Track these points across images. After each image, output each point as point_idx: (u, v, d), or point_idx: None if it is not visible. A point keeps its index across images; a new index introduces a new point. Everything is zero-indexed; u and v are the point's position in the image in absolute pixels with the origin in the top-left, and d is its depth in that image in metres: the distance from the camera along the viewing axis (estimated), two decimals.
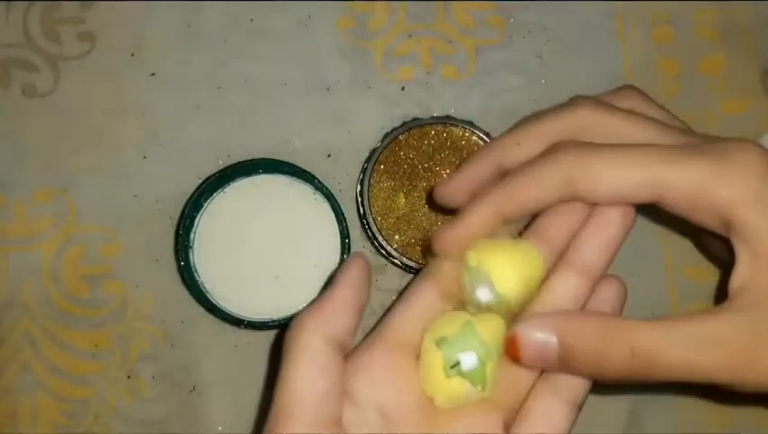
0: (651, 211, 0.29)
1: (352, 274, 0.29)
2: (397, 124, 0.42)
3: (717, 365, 0.26)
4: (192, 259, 0.41)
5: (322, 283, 0.41)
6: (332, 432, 0.27)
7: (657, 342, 0.26)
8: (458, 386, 0.28)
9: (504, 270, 0.29)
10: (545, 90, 0.45)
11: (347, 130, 0.44)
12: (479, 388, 0.28)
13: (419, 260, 0.41)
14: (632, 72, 0.45)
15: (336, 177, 0.43)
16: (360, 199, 0.42)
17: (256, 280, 0.41)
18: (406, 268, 0.41)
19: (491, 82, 0.45)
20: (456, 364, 0.28)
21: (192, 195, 0.41)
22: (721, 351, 0.26)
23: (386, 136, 0.42)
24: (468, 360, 0.28)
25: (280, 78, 0.44)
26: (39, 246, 0.42)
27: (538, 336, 0.27)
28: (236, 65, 0.44)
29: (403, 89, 0.45)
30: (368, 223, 0.41)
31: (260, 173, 0.42)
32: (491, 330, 0.29)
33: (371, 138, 0.43)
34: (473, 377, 0.28)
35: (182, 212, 0.41)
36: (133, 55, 0.44)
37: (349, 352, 0.29)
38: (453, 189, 0.33)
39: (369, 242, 0.43)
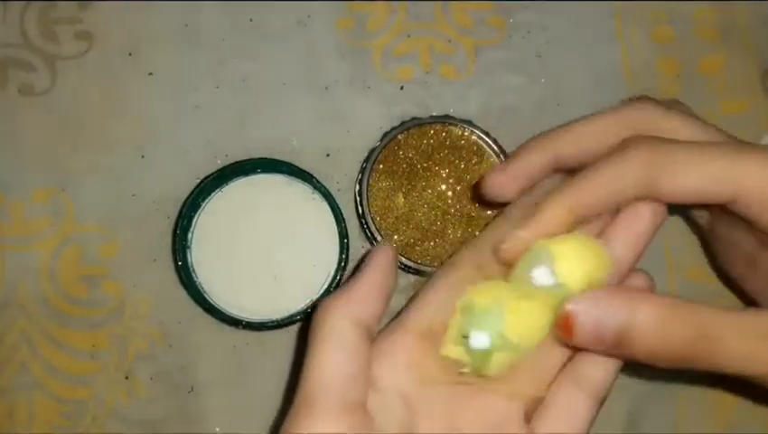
0: None
1: (380, 260, 0.29)
2: (396, 123, 0.42)
3: None
4: (189, 260, 0.41)
5: (320, 283, 0.41)
6: (357, 418, 0.26)
7: (723, 327, 0.26)
8: (458, 355, 0.28)
9: (571, 260, 0.27)
10: (544, 90, 0.45)
11: (346, 130, 0.44)
12: (476, 369, 0.28)
13: (418, 260, 0.41)
14: (631, 72, 0.45)
15: (335, 177, 0.43)
16: (358, 199, 0.42)
17: (254, 280, 0.41)
18: (405, 268, 0.41)
19: (491, 82, 0.45)
20: (466, 337, 0.27)
21: (189, 195, 0.41)
22: None
23: (385, 135, 0.42)
24: (478, 339, 0.27)
25: (279, 77, 0.44)
26: (36, 246, 0.42)
27: (596, 314, 0.26)
28: (234, 65, 0.44)
29: (402, 88, 0.44)
30: (366, 223, 0.41)
31: (258, 172, 0.42)
32: (526, 317, 0.27)
33: (370, 138, 0.43)
34: (475, 358, 0.27)
35: (180, 211, 0.41)
36: (130, 55, 0.44)
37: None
38: (503, 181, 0.31)
39: (367, 242, 0.42)
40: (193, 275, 0.41)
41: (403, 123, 0.42)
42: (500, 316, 0.27)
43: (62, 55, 0.44)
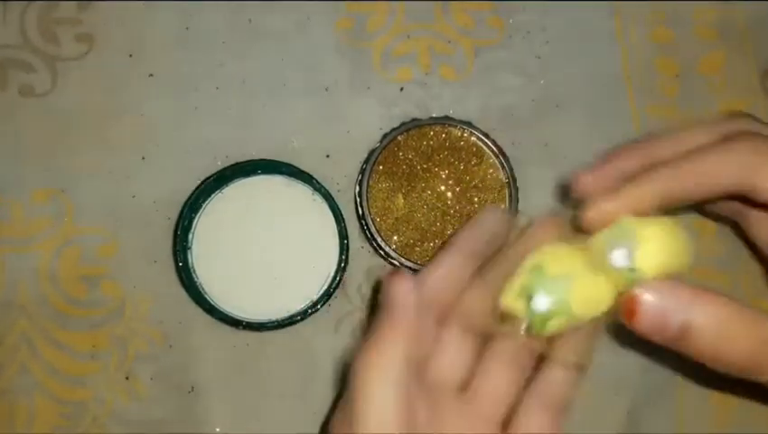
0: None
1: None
2: (395, 124, 0.42)
3: None
4: (190, 260, 0.41)
5: (320, 283, 0.41)
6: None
7: None
8: (517, 308, 0.28)
9: (654, 248, 0.27)
10: (544, 91, 0.45)
11: (346, 131, 0.44)
12: (530, 327, 0.27)
13: (418, 261, 0.41)
14: (631, 72, 0.45)
15: (335, 178, 0.43)
16: (358, 199, 0.42)
17: (254, 281, 0.41)
18: (404, 268, 0.41)
19: (490, 83, 0.45)
20: (529, 297, 0.27)
21: (190, 196, 0.41)
22: None
23: (384, 136, 0.42)
24: (542, 302, 0.27)
25: (279, 78, 0.44)
26: (37, 247, 0.42)
27: (665, 304, 0.26)
28: (234, 66, 0.44)
29: (402, 89, 0.44)
30: (366, 224, 0.41)
31: (259, 173, 0.42)
32: (592, 290, 0.27)
33: (370, 139, 0.43)
34: (533, 318, 0.27)
35: (181, 212, 0.41)
36: (131, 56, 0.44)
37: None
38: (596, 179, 0.30)
39: (367, 243, 0.42)
40: (194, 275, 0.41)
41: (403, 124, 0.42)
42: (569, 286, 0.27)
43: (63, 56, 0.44)
